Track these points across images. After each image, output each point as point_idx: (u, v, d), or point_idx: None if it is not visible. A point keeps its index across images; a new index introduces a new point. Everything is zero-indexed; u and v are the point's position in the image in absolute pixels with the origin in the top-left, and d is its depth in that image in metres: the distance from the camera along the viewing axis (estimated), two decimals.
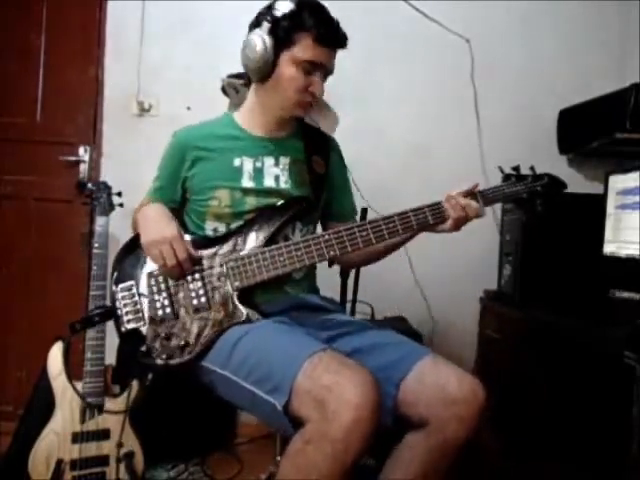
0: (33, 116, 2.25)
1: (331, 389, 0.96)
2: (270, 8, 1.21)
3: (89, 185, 1.69)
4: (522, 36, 2.31)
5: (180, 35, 2.23)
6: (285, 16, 1.17)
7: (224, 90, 1.95)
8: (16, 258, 2.24)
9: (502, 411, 1.97)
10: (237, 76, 1.89)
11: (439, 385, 1.09)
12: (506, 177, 1.29)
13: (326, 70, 1.24)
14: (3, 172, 2.24)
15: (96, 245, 1.59)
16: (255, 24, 1.24)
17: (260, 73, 1.22)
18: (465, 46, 2.26)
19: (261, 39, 1.18)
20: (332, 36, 1.21)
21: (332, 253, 1.18)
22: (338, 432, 0.93)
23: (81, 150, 2.24)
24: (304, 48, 1.18)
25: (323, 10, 1.21)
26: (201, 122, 1.37)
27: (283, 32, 1.18)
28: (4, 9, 2.22)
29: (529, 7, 2.29)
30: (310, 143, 1.35)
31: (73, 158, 2.24)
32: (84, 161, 2.24)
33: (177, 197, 1.33)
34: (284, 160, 1.31)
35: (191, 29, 2.23)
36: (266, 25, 1.18)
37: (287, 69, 1.20)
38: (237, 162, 1.28)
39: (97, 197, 1.66)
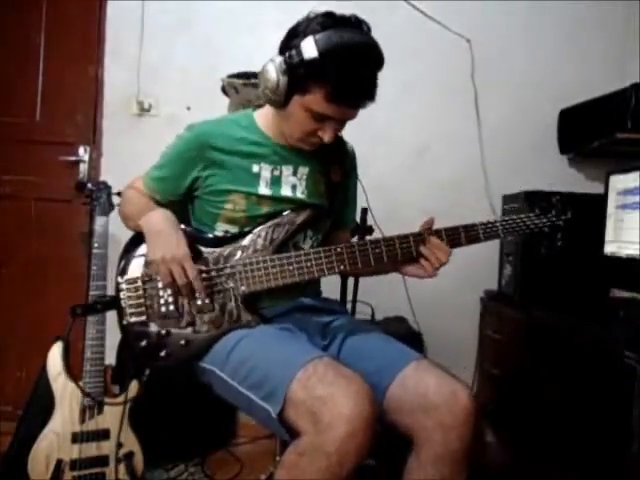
0: (33, 116, 2.25)
1: (325, 401, 0.95)
2: (296, 39, 1.07)
3: (89, 185, 1.70)
4: (522, 36, 2.31)
5: (180, 35, 2.23)
6: (303, 63, 1.04)
7: (224, 90, 1.95)
8: (16, 258, 2.24)
9: (502, 411, 1.97)
10: (237, 76, 1.89)
11: (419, 391, 1.06)
12: (530, 209, 1.23)
13: (342, 120, 1.15)
14: (3, 172, 2.24)
15: (96, 245, 1.59)
16: (283, 47, 1.11)
17: (272, 104, 1.15)
18: (465, 46, 2.26)
19: (276, 76, 1.08)
20: (347, 95, 1.08)
21: (342, 267, 1.16)
22: (332, 445, 0.92)
23: (81, 150, 2.24)
24: (315, 100, 1.08)
25: (349, 63, 1.04)
26: (219, 118, 1.30)
27: (298, 78, 1.07)
28: (4, 9, 2.22)
29: (529, 7, 2.29)
30: (330, 152, 1.27)
31: (73, 158, 2.24)
32: (84, 161, 2.24)
33: (180, 192, 1.28)
34: (302, 170, 1.26)
35: (191, 29, 2.23)
36: (284, 63, 1.07)
37: (298, 112, 1.12)
38: (255, 168, 1.23)
39: (97, 197, 1.66)
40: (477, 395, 2.12)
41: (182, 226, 1.25)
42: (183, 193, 1.28)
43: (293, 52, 1.05)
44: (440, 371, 1.11)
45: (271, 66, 1.09)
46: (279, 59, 1.08)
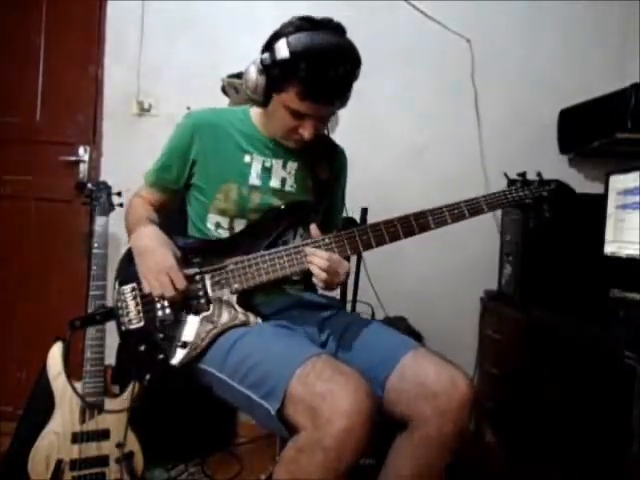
0: (33, 116, 2.25)
1: (324, 397, 0.96)
2: (273, 42, 1.12)
3: (89, 185, 1.70)
4: (522, 36, 2.31)
5: (180, 35, 2.23)
6: (277, 63, 1.10)
7: (224, 90, 1.95)
8: (16, 258, 2.24)
9: (502, 411, 1.97)
10: (237, 76, 1.89)
11: (418, 380, 1.08)
12: (511, 183, 1.27)
13: (321, 117, 1.19)
14: (3, 172, 2.24)
15: (96, 245, 1.59)
16: (263, 50, 1.16)
17: (254, 103, 1.23)
18: (465, 46, 2.26)
19: (255, 76, 1.15)
20: (319, 93, 1.11)
21: None
22: (330, 440, 0.93)
23: (81, 150, 2.24)
24: (290, 98, 1.13)
25: (320, 62, 1.08)
26: (217, 108, 1.36)
27: (274, 78, 1.13)
28: (4, 9, 2.22)
29: (529, 7, 2.29)
30: (319, 150, 1.32)
31: (73, 158, 2.24)
32: (84, 161, 2.24)
33: (182, 179, 1.32)
34: (292, 165, 1.31)
35: (191, 29, 2.23)
36: (261, 64, 1.13)
37: (277, 110, 1.18)
38: (247, 159, 1.28)
39: (97, 197, 1.66)
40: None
41: (184, 241, 1.28)
42: (184, 182, 1.33)
43: (268, 53, 1.12)
44: (438, 359, 1.12)
45: (252, 67, 1.16)
46: (258, 60, 1.14)
